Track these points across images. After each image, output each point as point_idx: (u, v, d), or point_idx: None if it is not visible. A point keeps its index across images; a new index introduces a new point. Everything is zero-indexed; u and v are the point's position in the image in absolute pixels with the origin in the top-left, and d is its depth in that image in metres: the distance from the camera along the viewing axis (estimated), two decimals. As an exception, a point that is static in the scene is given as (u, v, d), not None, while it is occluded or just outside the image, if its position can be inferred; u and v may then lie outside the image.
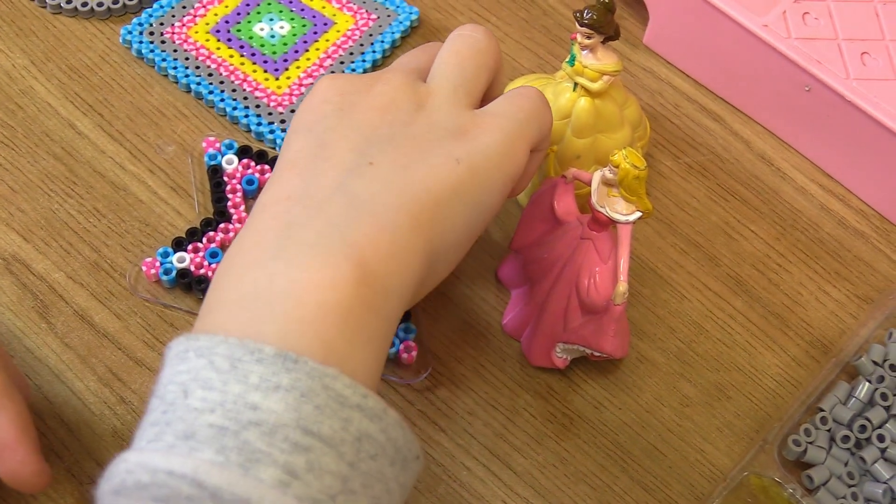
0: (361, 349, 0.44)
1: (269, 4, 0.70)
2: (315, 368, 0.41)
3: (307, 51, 0.68)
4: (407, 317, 0.60)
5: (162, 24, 0.68)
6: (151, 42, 0.68)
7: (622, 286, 0.55)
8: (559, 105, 0.61)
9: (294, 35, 0.69)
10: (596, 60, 0.58)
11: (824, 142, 0.67)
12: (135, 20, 0.68)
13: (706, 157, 0.69)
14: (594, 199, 0.55)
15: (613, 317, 0.56)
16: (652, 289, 0.64)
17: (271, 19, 0.69)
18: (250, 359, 0.42)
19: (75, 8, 0.68)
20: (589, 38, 0.57)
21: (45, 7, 0.69)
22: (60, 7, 0.68)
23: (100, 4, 0.68)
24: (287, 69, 0.67)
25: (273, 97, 0.66)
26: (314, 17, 0.70)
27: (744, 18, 0.65)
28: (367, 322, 0.45)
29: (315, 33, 0.69)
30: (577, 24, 0.57)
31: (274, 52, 0.68)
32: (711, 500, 0.56)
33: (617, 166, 0.53)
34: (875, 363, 0.60)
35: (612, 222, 0.55)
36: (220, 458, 0.40)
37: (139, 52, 0.67)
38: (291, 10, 0.69)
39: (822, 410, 0.59)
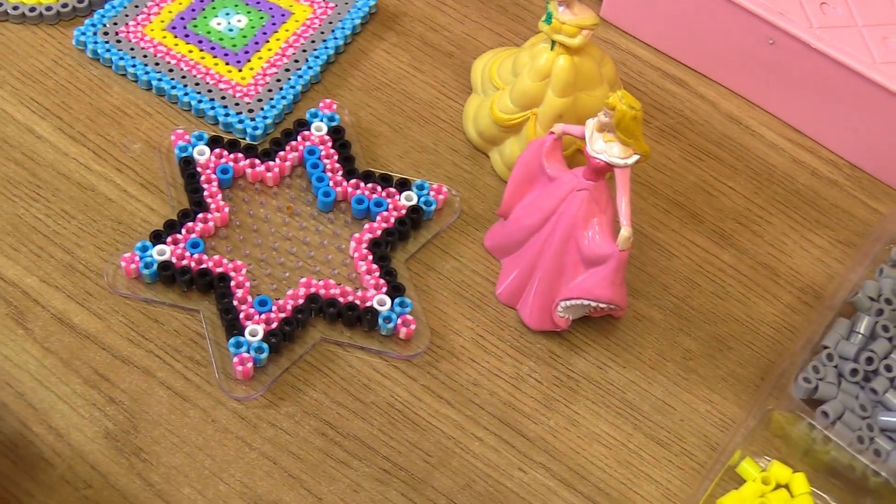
0: None
1: (224, 0, 0.68)
2: None
3: (268, 41, 0.67)
4: (401, 290, 0.59)
5: (115, 23, 0.66)
6: (107, 42, 0.65)
7: (626, 230, 0.54)
8: (537, 66, 0.60)
9: (252, 27, 0.67)
10: (573, 16, 0.58)
11: (790, 96, 0.68)
12: (87, 21, 0.66)
13: (675, 119, 0.69)
14: (589, 147, 0.54)
15: (619, 264, 0.55)
16: (640, 248, 0.64)
17: (227, 13, 0.68)
18: None
19: (23, 14, 0.66)
20: (566, -9, 0.57)
21: (-10, 16, 0.67)
22: (7, 14, 0.66)
23: (48, 9, 0.66)
24: (249, 60, 0.66)
25: (238, 88, 0.65)
26: (270, 8, 0.68)
27: (704, -24, 0.66)
28: None
29: (273, 24, 0.68)
30: (553, -22, 0.57)
31: (234, 45, 0.66)
32: (734, 441, 0.55)
33: (613, 108, 0.52)
34: (871, 298, 0.60)
35: (610, 168, 0.54)
36: None
37: (95, 52, 0.65)
38: (247, 4, 0.68)
39: (826, 348, 0.58)
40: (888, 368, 0.57)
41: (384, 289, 0.59)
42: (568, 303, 0.57)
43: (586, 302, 0.57)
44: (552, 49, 0.59)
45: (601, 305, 0.57)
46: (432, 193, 0.62)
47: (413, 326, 0.58)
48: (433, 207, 0.62)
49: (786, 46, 0.65)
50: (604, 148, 0.54)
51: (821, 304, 0.62)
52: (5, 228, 0.60)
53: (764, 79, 0.68)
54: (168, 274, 0.58)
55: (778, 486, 0.55)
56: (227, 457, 0.55)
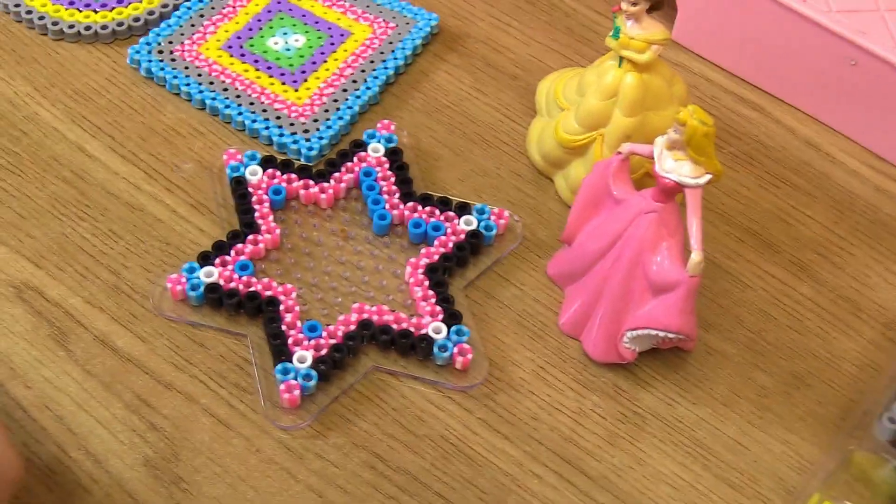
0: None
1: (282, 19, 0.66)
2: None
3: (325, 61, 0.65)
4: (458, 318, 0.56)
5: (171, 42, 0.65)
6: (161, 60, 0.64)
7: (697, 255, 0.50)
8: (604, 84, 0.57)
9: (310, 47, 0.65)
10: (642, 30, 0.55)
11: (872, 121, 0.64)
12: (142, 40, 0.65)
13: (750, 146, 0.66)
14: (658, 167, 0.51)
15: (689, 291, 0.51)
16: (712, 279, 0.60)
17: (285, 33, 0.66)
18: None
19: (78, 33, 0.65)
20: (634, 4, 0.54)
21: (45, 34, 0.66)
22: (62, 32, 0.65)
23: (104, 28, 0.65)
24: (306, 80, 0.64)
25: (294, 108, 0.63)
26: (329, 28, 0.66)
27: (782, -6, 0.63)
28: None
29: (332, 44, 0.66)
30: (621, -10, 0.54)
31: (290, 65, 0.64)
32: (811, 484, 0.51)
33: (684, 124, 0.49)
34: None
35: (680, 188, 0.51)
36: None
37: (149, 70, 0.64)
38: (305, 24, 0.66)
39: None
40: (983, 410, 0.53)
41: (440, 316, 0.56)
42: (634, 333, 0.54)
43: (654, 332, 0.53)
44: (620, 66, 0.57)
45: (669, 336, 0.53)
46: (493, 218, 0.59)
47: (470, 356, 0.55)
48: (494, 232, 0.59)
49: (868, 67, 0.61)
50: (673, 167, 0.51)
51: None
52: (51, 248, 0.58)
53: (845, 103, 0.64)
54: (215, 296, 0.56)
55: (862, 535, 0.51)
56: (270, 489, 0.52)
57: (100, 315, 0.56)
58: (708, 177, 0.50)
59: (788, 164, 0.65)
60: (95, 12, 0.66)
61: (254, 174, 0.60)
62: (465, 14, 0.70)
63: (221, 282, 0.56)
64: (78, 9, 0.66)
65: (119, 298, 0.57)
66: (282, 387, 0.53)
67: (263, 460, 0.53)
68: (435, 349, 0.55)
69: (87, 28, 0.65)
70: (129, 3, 0.66)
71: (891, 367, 0.56)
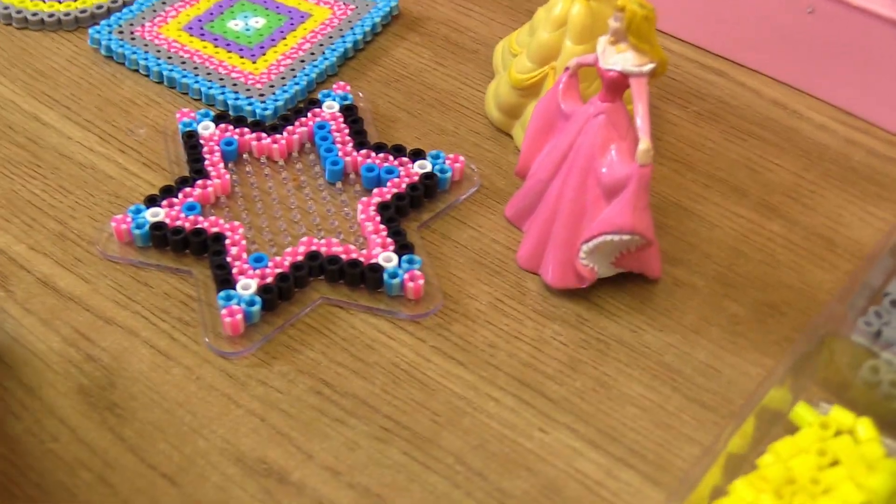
0: None
1: (243, 4, 0.67)
2: None
3: (284, 38, 0.65)
4: (410, 249, 0.54)
5: (132, 24, 0.65)
6: (121, 39, 0.64)
7: (644, 143, 0.49)
8: (553, 16, 0.57)
9: (270, 27, 0.66)
10: (586, -48, 0.55)
11: (837, 76, 0.63)
12: (103, 22, 0.65)
13: (715, 105, 0.64)
14: (601, 62, 0.50)
15: (640, 183, 0.49)
16: (678, 219, 0.58)
17: (245, 16, 0.66)
18: None
19: (41, 20, 0.66)
20: (576, -78, 0.54)
21: (10, 24, 0.67)
22: (26, 21, 0.66)
23: (66, 14, 0.66)
24: (264, 54, 0.64)
25: (251, 76, 0.63)
26: (290, 11, 0.67)
27: (733, -52, 0.63)
28: None
29: (292, 24, 0.66)
30: None
31: (249, 42, 0.65)
32: (776, 373, 0.47)
33: (623, 9, 0.48)
34: (940, 248, 0.53)
35: (625, 79, 0.49)
36: None
37: (109, 49, 0.64)
38: (266, 8, 0.67)
39: (888, 294, 0.51)
40: (965, 312, 0.50)
41: (391, 247, 0.54)
42: (589, 244, 0.52)
43: (608, 237, 0.51)
44: (567, -5, 0.56)
45: (624, 237, 0.50)
46: (448, 162, 0.58)
47: (421, 282, 0.53)
48: (448, 175, 0.58)
49: (825, 12, 0.61)
50: (617, 59, 0.49)
51: (880, 254, 0.55)
52: (-1, 202, 0.57)
53: (807, 59, 0.63)
54: (160, 234, 0.54)
55: (839, 433, 0.47)
56: (209, 413, 0.49)
57: (44, 260, 0.55)
58: (652, 65, 0.49)
59: (754, 120, 0.64)
60: (60, 2, 0.67)
61: (206, 128, 0.59)
62: (426, 1, 0.70)
63: (167, 220, 0.55)
64: (43, 0, 0.67)
65: (64, 245, 0.55)
66: (223, 311, 0.51)
67: (203, 387, 0.50)
68: (385, 276, 0.53)
69: (51, 16, 0.66)
70: (93, -5, 0.67)
71: (864, 277, 0.53)
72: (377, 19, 0.67)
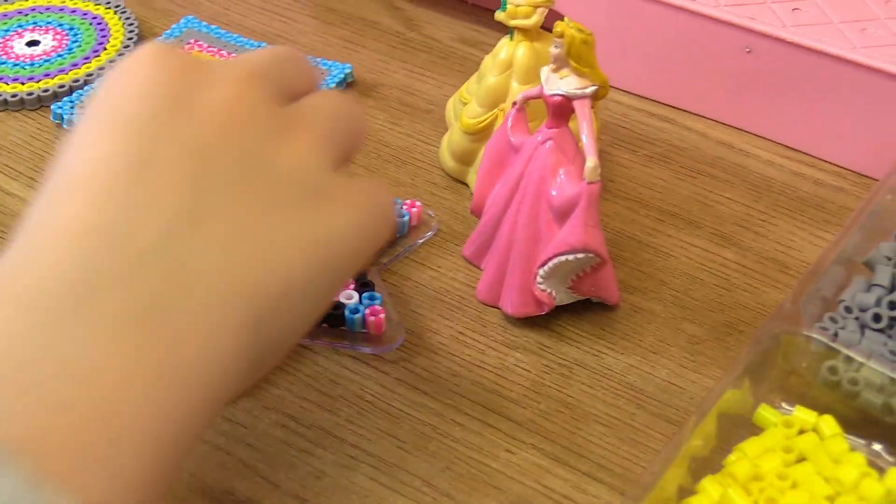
0: (138, 467, 0.33)
1: (202, 78, 0.69)
2: (29, 480, 0.29)
3: (242, 106, 0.67)
4: (370, 287, 0.54)
5: (93, 100, 0.67)
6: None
7: (591, 161, 0.50)
8: (499, 61, 0.59)
9: (228, 97, 0.68)
10: (526, -3, 0.57)
11: (777, 112, 0.65)
12: (66, 98, 0.67)
13: (663, 148, 0.66)
14: (546, 90, 0.52)
15: (590, 200, 0.50)
16: (633, 252, 0.59)
17: (204, 89, 0.68)
18: None
19: (5, 101, 0.67)
20: (515, -31, 0.57)
21: (-27, 107, 0.69)
22: (-11, 102, 0.68)
23: (29, 94, 0.67)
24: (223, 121, 0.66)
25: (210, 141, 0.64)
26: (247, 82, 0.69)
27: (669, -3, 0.66)
28: (162, 433, 0.34)
29: (249, 93, 0.68)
30: (500, -43, 0.57)
31: (208, 111, 0.66)
32: (738, 361, 0.48)
33: (562, 35, 0.50)
34: (888, 258, 0.54)
35: (569, 102, 0.51)
36: None
37: (71, 122, 0.66)
38: (224, 81, 0.69)
39: (842, 301, 0.52)
40: (916, 313, 0.51)
41: (352, 286, 0.55)
42: (545, 268, 0.52)
43: (563, 258, 0.52)
44: (511, 38, 0.58)
45: (578, 256, 0.51)
46: (405, 207, 0.59)
47: (382, 316, 0.53)
48: (406, 219, 0.59)
49: (764, 50, 0.63)
50: (560, 84, 0.51)
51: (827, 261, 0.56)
52: (-38, 266, 0.58)
53: (748, 98, 0.65)
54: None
55: (803, 431, 0.47)
56: (175, 451, 0.49)
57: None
58: (594, 87, 0.51)
59: (703, 160, 0.66)
60: (22, 84, 0.68)
61: (167, 188, 0.60)
62: (379, 69, 0.72)
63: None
64: (6, 83, 0.68)
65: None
66: (187, 352, 0.51)
67: (168, 427, 0.50)
68: (346, 312, 0.53)
69: (14, 96, 0.67)
70: (56, 76, 0.69)
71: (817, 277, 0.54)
72: (332, 86, 0.69)
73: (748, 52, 0.64)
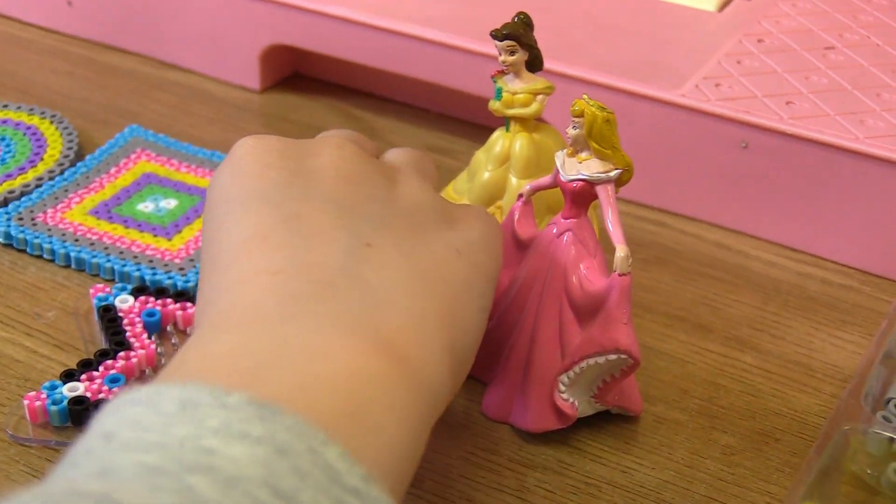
0: (386, 433, 0.34)
1: (152, 188, 0.63)
2: (299, 425, 0.31)
3: (200, 216, 0.61)
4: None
5: (32, 211, 0.60)
6: (21, 226, 0.59)
7: (622, 250, 0.45)
8: (494, 154, 0.54)
9: (184, 207, 0.61)
10: (524, 83, 0.53)
11: (776, 212, 0.62)
12: (0, 210, 0.60)
13: (660, 251, 0.62)
14: (563, 176, 0.47)
15: (622, 293, 0.45)
16: (647, 359, 0.54)
17: (156, 199, 0.62)
18: (212, 403, 0.31)
19: (-70, 215, 0.60)
20: (512, 53, 0.52)
21: None
22: (-87, 217, 0.60)
23: (-41, 208, 0.60)
24: (180, 231, 0.59)
25: (167, 252, 0.58)
26: (202, 192, 0.63)
27: (660, 93, 0.62)
28: (401, 405, 0.35)
29: (207, 202, 0.62)
30: (497, 42, 0.52)
31: (163, 221, 0.60)
32: (808, 463, 0.42)
33: (581, 115, 0.46)
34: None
35: (592, 188, 0.46)
36: (151, 497, 0.28)
37: (8, 235, 0.58)
38: (177, 191, 0.63)
39: (892, 399, 0.48)
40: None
41: (347, 403, 0.49)
42: (569, 374, 0.47)
43: (591, 360, 0.46)
44: (507, 130, 0.54)
45: (610, 357, 0.46)
46: (395, 317, 0.54)
47: (385, 435, 0.47)
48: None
49: (760, 144, 0.60)
50: (580, 168, 0.47)
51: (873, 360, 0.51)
52: None
53: (744, 199, 0.62)
54: (81, 408, 0.47)
55: (880, 543, 0.42)
56: None
57: (-59, 453, 0.47)
58: (617, 171, 0.46)
59: (703, 261, 0.61)
60: (-49, 196, 0.62)
61: (124, 302, 0.53)
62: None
63: (89, 395, 0.48)
64: (-68, 196, 0.62)
65: (-35, 436, 0.48)
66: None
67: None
68: (344, 432, 0.47)
69: (-59, 210, 0.60)
70: (-11, 188, 0.62)
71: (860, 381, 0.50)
72: (298, 192, 0.63)
73: (744, 147, 0.61)
